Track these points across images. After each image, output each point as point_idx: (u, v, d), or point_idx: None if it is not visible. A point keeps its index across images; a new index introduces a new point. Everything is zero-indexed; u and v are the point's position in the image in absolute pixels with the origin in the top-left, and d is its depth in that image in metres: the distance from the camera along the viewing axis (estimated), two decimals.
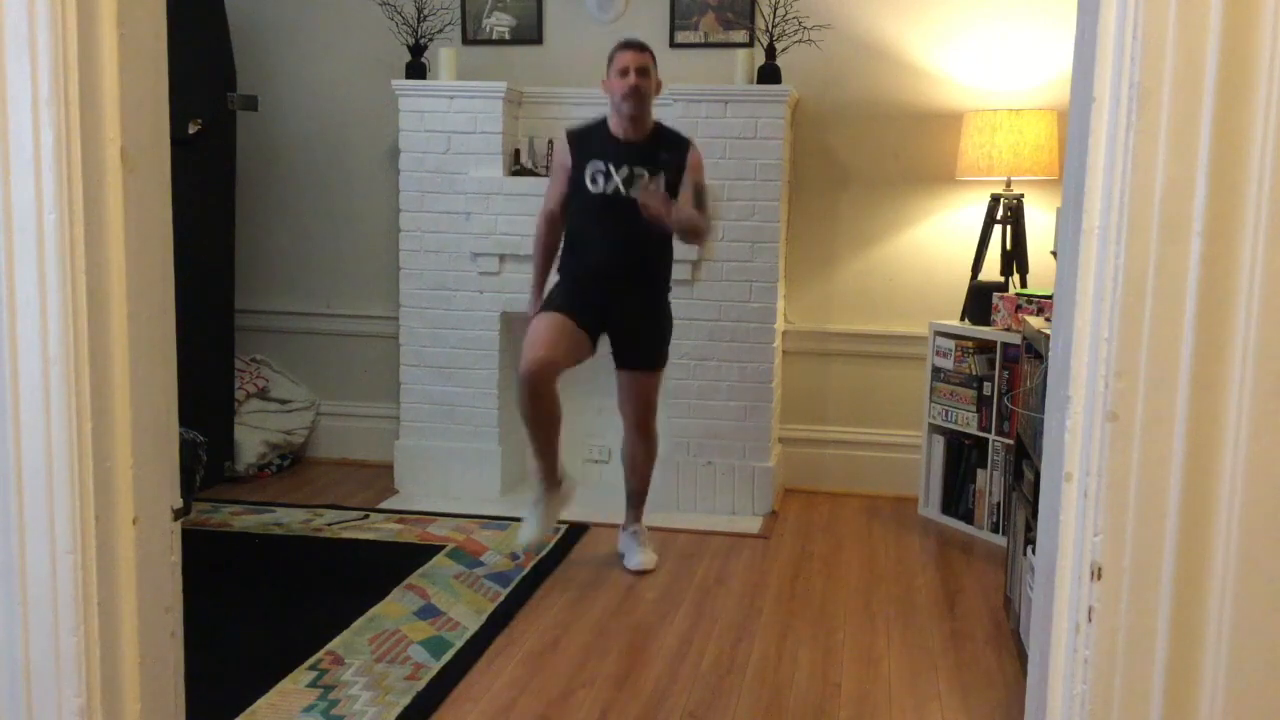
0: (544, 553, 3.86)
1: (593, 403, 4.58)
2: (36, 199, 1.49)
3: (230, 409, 4.70)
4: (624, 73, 3.47)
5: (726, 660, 3.07)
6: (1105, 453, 1.27)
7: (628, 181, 3.49)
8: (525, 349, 3.48)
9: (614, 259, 3.56)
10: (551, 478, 3.69)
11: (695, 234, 3.59)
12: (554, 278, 3.73)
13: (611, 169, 3.50)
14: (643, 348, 3.69)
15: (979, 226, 4.38)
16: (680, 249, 4.31)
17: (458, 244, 4.53)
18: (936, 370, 4.36)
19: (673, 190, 3.52)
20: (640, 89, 3.47)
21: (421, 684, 2.85)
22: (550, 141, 4.31)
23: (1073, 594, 1.33)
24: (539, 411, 3.51)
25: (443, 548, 3.92)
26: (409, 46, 4.60)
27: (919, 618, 3.41)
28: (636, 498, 3.86)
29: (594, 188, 3.50)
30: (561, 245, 3.68)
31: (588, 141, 3.57)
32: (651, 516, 3.97)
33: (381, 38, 4.75)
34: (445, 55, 4.54)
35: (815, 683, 2.95)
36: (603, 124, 3.60)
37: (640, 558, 3.75)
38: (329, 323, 5.10)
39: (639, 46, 3.54)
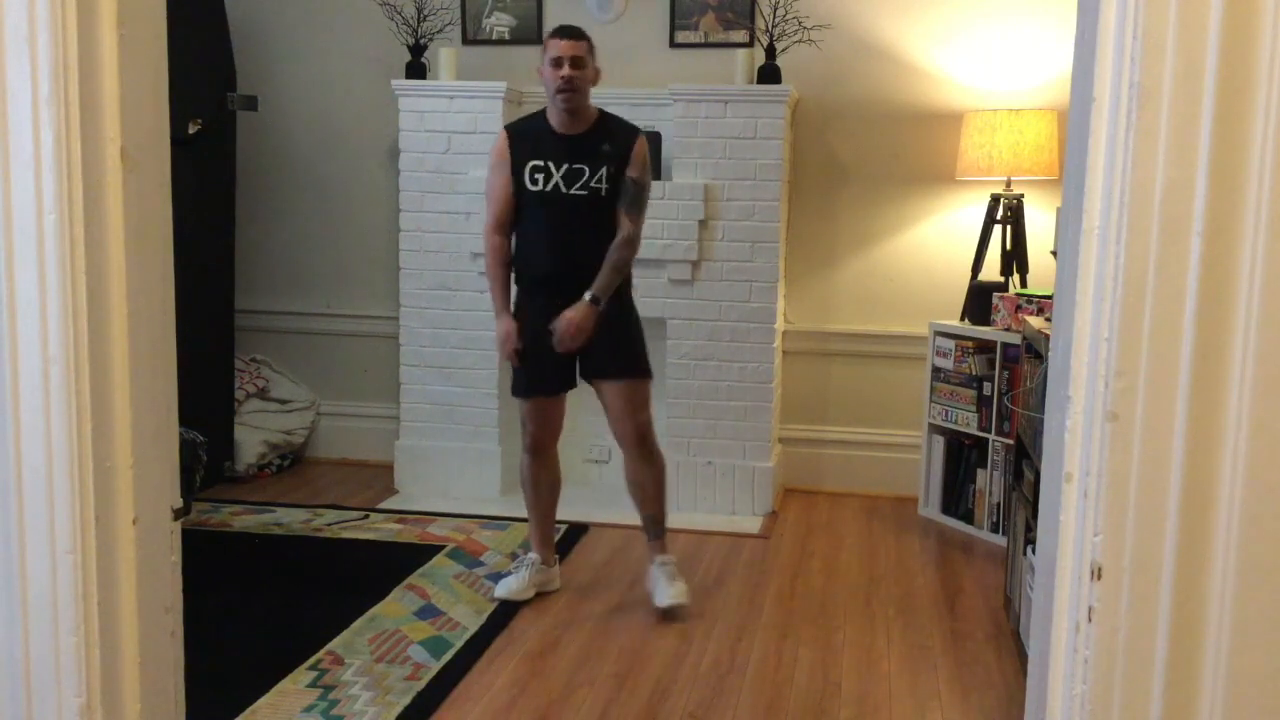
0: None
1: (592, 402, 4.57)
2: (36, 199, 1.49)
3: (230, 409, 4.70)
4: (558, 63, 3.22)
5: (726, 660, 3.07)
6: (1105, 453, 1.27)
7: (568, 178, 3.31)
8: (524, 422, 3.51)
9: (562, 259, 3.35)
10: (545, 549, 3.55)
11: (623, 272, 3.37)
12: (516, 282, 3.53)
13: (551, 166, 3.31)
14: (616, 351, 3.39)
15: (979, 226, 4.38)
16: (679, 248, 4.36)
17: (458, 244, 4.53)
18: (936, 370, 4.36)
19: (617, 184, 3.32)
20: (574, 81, 3.22)
21: (421, 684, 2.85)
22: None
23: (1073, 594, 1.33)
24: (539, 477, 3.54)
25: (443, 548, 3.92)
26: (409, 46, 4.60)
27: (919, 618, 3.41)
28: (656, 526, 3.51)
29: (534, 186, 3.32)
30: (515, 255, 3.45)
31: (526, 139, 3.36)
32: None
33: (381, 38, 4.75)
34: (445, 55, 4.54)
35: (815, 682, 2.95)
36: (542, 117, 3.40)
37: (671, 591, 3.38)
38: (329, 323, 5.10)
39: (574, 34, 3.27)
